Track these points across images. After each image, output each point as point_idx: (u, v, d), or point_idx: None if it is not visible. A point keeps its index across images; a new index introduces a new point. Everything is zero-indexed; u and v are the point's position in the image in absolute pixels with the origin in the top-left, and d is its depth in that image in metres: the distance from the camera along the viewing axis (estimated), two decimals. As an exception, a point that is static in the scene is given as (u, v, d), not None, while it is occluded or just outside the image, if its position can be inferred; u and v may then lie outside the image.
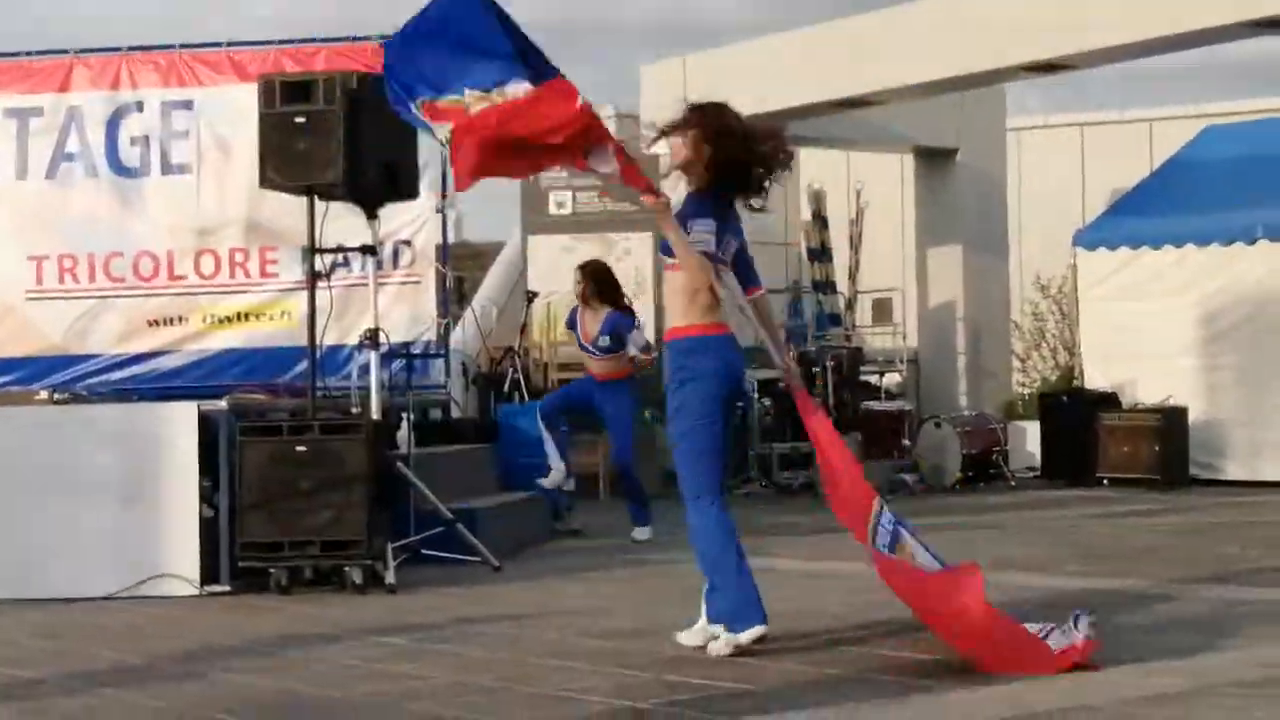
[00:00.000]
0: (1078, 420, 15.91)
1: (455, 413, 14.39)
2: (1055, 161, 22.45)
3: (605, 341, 11.16)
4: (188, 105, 13.27)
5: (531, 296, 16.12)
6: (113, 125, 13.28)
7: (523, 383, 15.10)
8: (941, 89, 16.93)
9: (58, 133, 13.24)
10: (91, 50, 13.41)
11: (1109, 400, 16.12)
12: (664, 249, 6.58)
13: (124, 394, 12.40)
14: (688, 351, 6.50)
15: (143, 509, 8.84)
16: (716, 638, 6.39)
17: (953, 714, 5.16)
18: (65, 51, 13.39)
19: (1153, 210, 16.34)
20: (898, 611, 7.49)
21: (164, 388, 12.50)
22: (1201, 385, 15.59)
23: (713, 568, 6.50)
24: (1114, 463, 15.57)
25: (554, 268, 15.52)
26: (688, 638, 6.52)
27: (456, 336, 15.62)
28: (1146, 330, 15.89)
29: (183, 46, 13.41)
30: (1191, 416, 15.42)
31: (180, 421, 8.97)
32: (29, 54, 13.39)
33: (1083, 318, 17.21)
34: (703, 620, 6.55)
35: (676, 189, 6.90)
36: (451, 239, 14.06)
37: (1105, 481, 15.49)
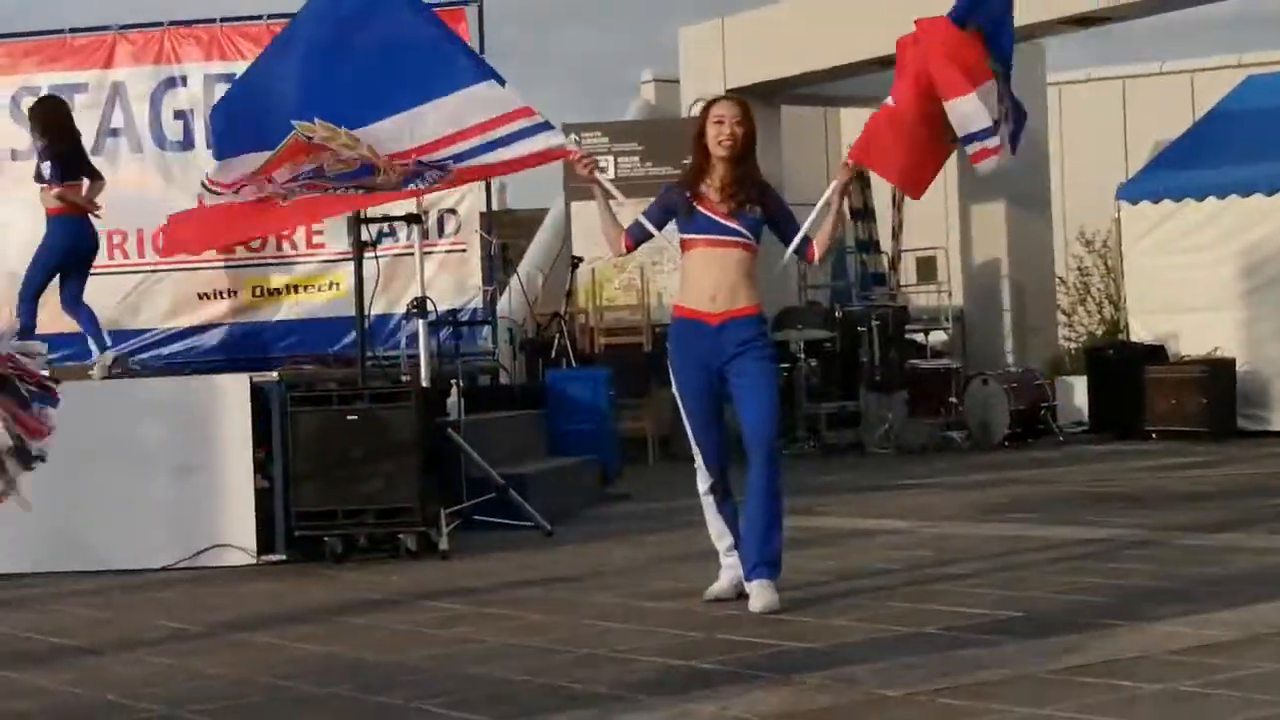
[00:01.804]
0: (1124, 374, 15.84)
1: (504, 379, 14.42)
2: (1097, 115, 22.28)
3: None
4: (230, 78, 13.25)
5: (576, 262, 16.13)
6: (156, 100, 13.31)
7: (569, 348, 15.12)
8: (980, 45, 16.80)
9: (102, 109, 13.27)
10: (133, 26, 13.44)
11: (1155, 353, 16.04)
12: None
13: (176, 367, 12.48)
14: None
15: (198, 481, 8.90)
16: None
17: (1008, 666, 5.15)
18: (108, 28, 13.43)
19: (1195, 162, 16.22)
20: (946, 567, 7.51)
21: (215, 360, 12.56)
22: (1247, 336, 15.49)
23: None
24: (1161, 416, 15.50)
25: (597, 233, 15.48)
26: (758, 601, 6.54)
27: (503, 303, 15.63)
28: (1191, 282, 15.79)
29: (224, 20, 13.43)
30: (1237, 368, 15.33)
31: (233, 393, 9.02)
32: (72, 31, 13.43)
33: (1127, 271, 17.11)
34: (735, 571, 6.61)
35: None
36: (495, 207, 14.09)
37: (1153, 435, 15.43)
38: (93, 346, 10.81)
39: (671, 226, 6.82)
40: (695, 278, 6.66)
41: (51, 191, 10.79)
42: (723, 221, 6.62)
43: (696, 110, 7.05)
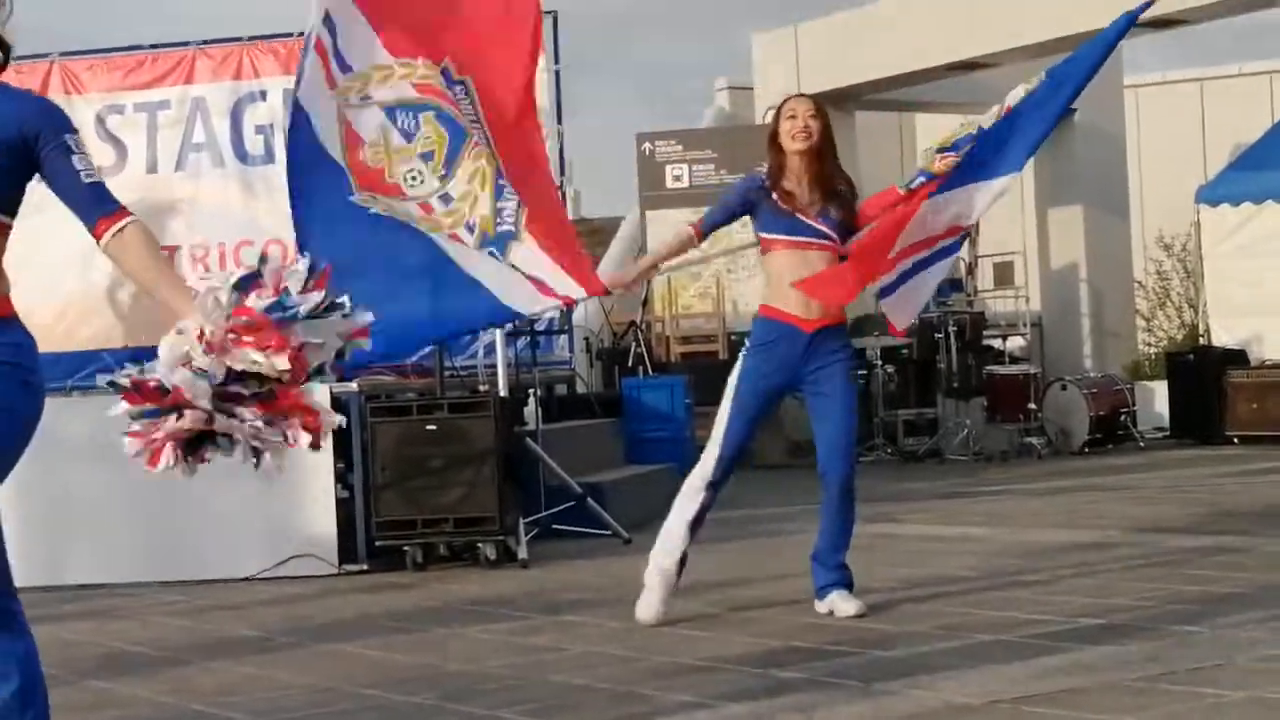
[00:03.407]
0: (1205, 379, 15.71)
1: (580, 388, 14.46)
2: (1175, 118, 22.08)
3: None
4: (309, 92, 13.38)
5: (652, 271, 16.13)
6: (236, 115, 13.42)
7: (646, 357, 15.15)
8: (1057, 49, 16.70)
9: (184, 125, 13.40)
10: (213, 41, 13.57)
11: (1236, 357, 15.90)
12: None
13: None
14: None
15: (281, 491, 8.96)
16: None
17: (1091, 673, 5.13)
18: (187, 44, 13.56)
19: (1275, 164, 16.06)
20: (1027, 574, 7.48)
21: (295, 372, 12.62)
22: (1329, 340, 15.35)
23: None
24: (1243, 420, 15.36)
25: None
26: (847, 605, 6.52)
27: (579, 313, 15.66)
28: (1272, 285, 15.63)
29: (301, 34, 13.52)
30: (1321, 372, 15.19)
31: (313, 404, 9.08)
32: (152, 47, 13.57)
33: (1207, 275, 16.97)
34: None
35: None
36: (570, 216, 14.10)
37: (1235, 440, 15.28)
38: None
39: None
40: (784, 280, 6.51)
41: None
42: (809, 222, 6.51)
43: (770, 118, 6.94)
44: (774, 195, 6.55)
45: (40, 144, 3.65)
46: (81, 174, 3.67)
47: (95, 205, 3.70)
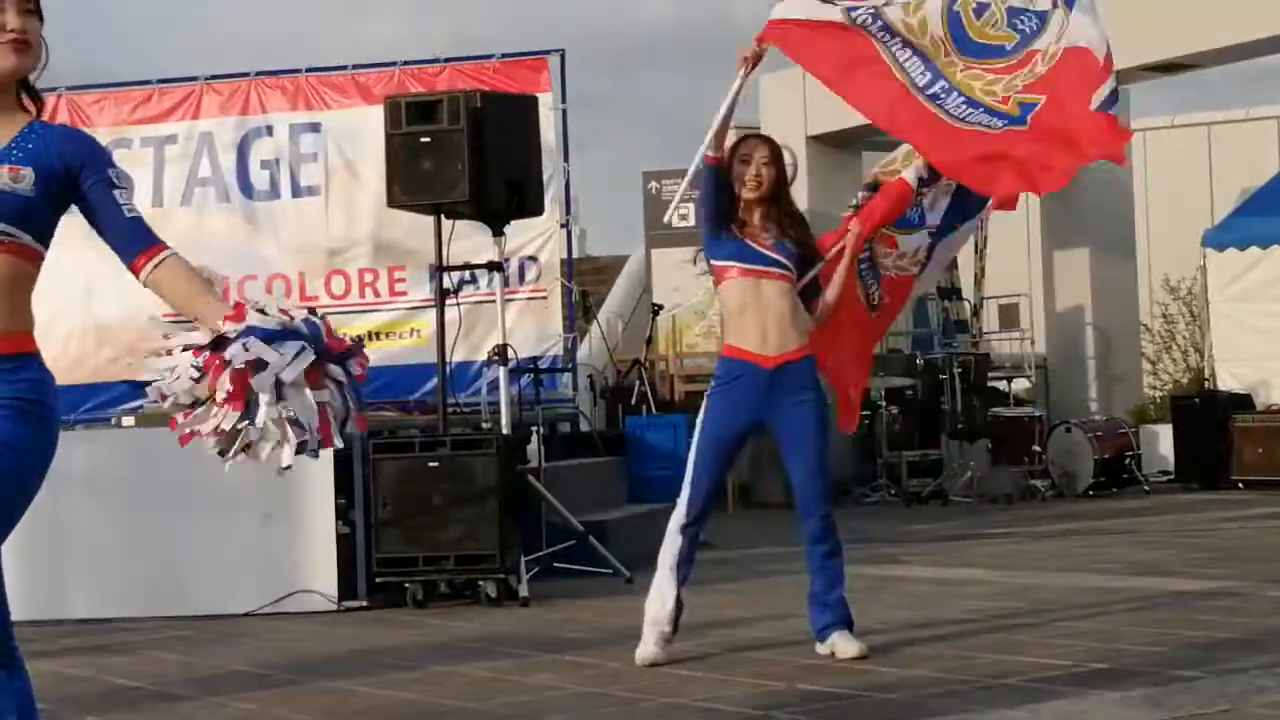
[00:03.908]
0: (1211, 423, 15.71)
1: (584, 426, 14.45)
2: (1182, 161, 22.12)
3: None
4: (315, 128, 13.43)
5: (657, 309, 16.17)
6: (243, 149, 13.48)
7: (650, 395, 15.15)
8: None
9: (191, 159, 13.45)
10: (220, 76, 13.63)
11: (1242, 402, 15.89)
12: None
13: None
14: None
15: (281, 527, 8.97)
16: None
17: (1094, 718, 5.12)
18: (195, 79, 13.62)
19: (1283, 209, 16.09)
20: (1030, 618, 7.46)
21: (298, 407, 12.63)
22: (1336, 385, 15.34)
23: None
24: (1249, 465, 15.35)
25: (677, 280, 15.55)
26: (849, 647, 6.49)
27: (583, 350, 15.69)
28: (1278, 329, 15.63)
29: (309, 70, 13.60)
30: (1327, 417, 15.18)
31: (315, 440, 9.07)
32: (160, 81, 13.64)
33: (1213, 319, 16.98)
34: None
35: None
36: (576, 254, 14.16)
37: (1240, 484, 15.26)
38: None
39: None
40: (739, 314, 6.46)
41: None
42: (761, 250, 6.44)
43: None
44: (731, 225, 6.50)
45: (84, 177, 3.68)
46: (124, 208, 3.70)
47: (136, 239, 3.72)
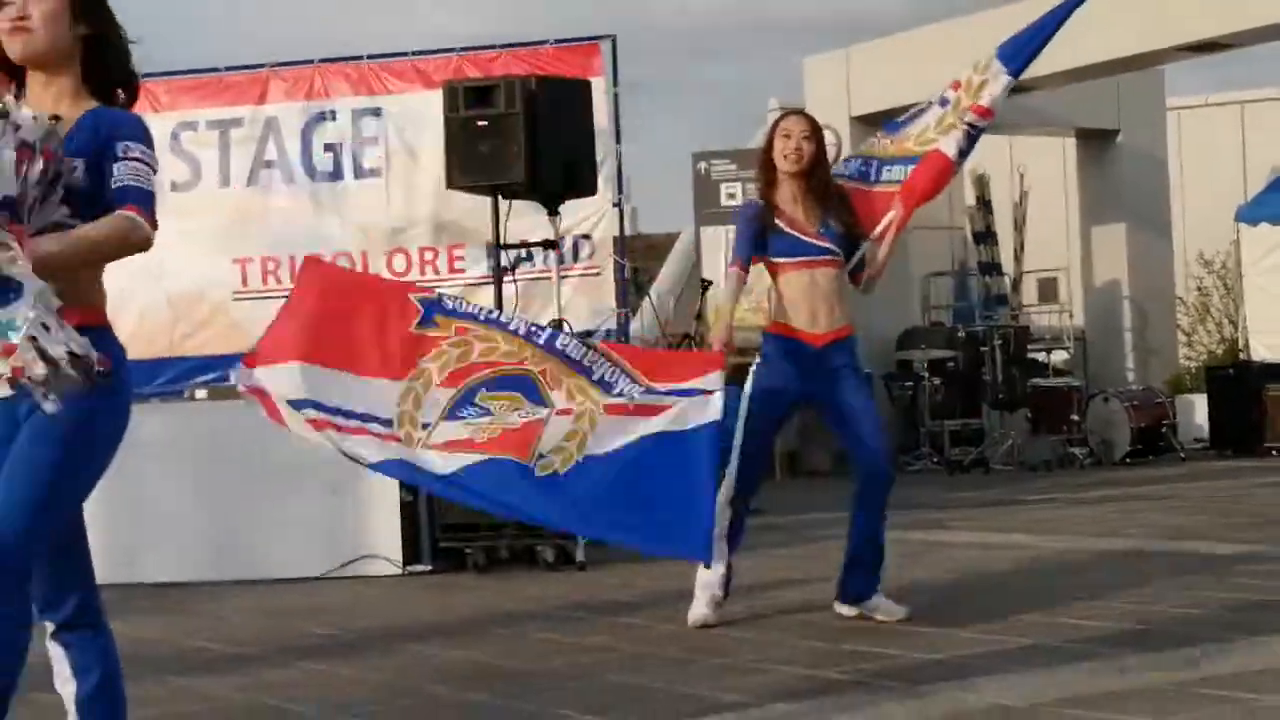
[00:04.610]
0: (1245, 392, 15.60)
1: (636, 398, 14.43)
2: (1216, 139, 21.93)
3: None
4: (376, 113, 13.44)
5: (706, 285, 16.13)
6: (307, 133, 13.49)
7: (699, 368, 15.13)
8: (1100, 72, 16.62)
9: (256, 142, 13.47)
10: (286, 64, 13.65)
11: (1275, 371, 15.77)
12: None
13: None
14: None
15: (349, 495, 9.02)
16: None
17: (1131, 678, 5.10)
18: (261, 66, 13.65)
19: (1315, 185, 15.97)
20: (1069, 581, 7.44)
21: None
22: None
23: None
24: (1282, 433, 15.24)
25: (726, 257, 15.52)
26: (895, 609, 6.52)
27: (635, 324, 15.68)
28: (1310, 302, 15.54)
29: (370, 57, 13.60)
30: (1358, 385, 15.07)
31: (379, 411, 9.12)
32: (227, 69, 13.68)
33: (1246, 291, 16.88)
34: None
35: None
36: (628, 232, 14.13)
37: (1274, 451, 15.16)
38: None
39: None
40: (792, 299, 6.49)
41: None
42: (812, 241, 6.48)
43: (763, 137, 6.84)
44: (776, 219, 6.51)
45: (106, 155, 3.61)
46: (113, 180, 3.57)
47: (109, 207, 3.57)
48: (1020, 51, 6.95)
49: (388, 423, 5.10)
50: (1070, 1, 7.05)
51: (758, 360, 6.64)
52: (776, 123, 6.63)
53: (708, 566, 6.27)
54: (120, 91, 3.78)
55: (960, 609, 6.77)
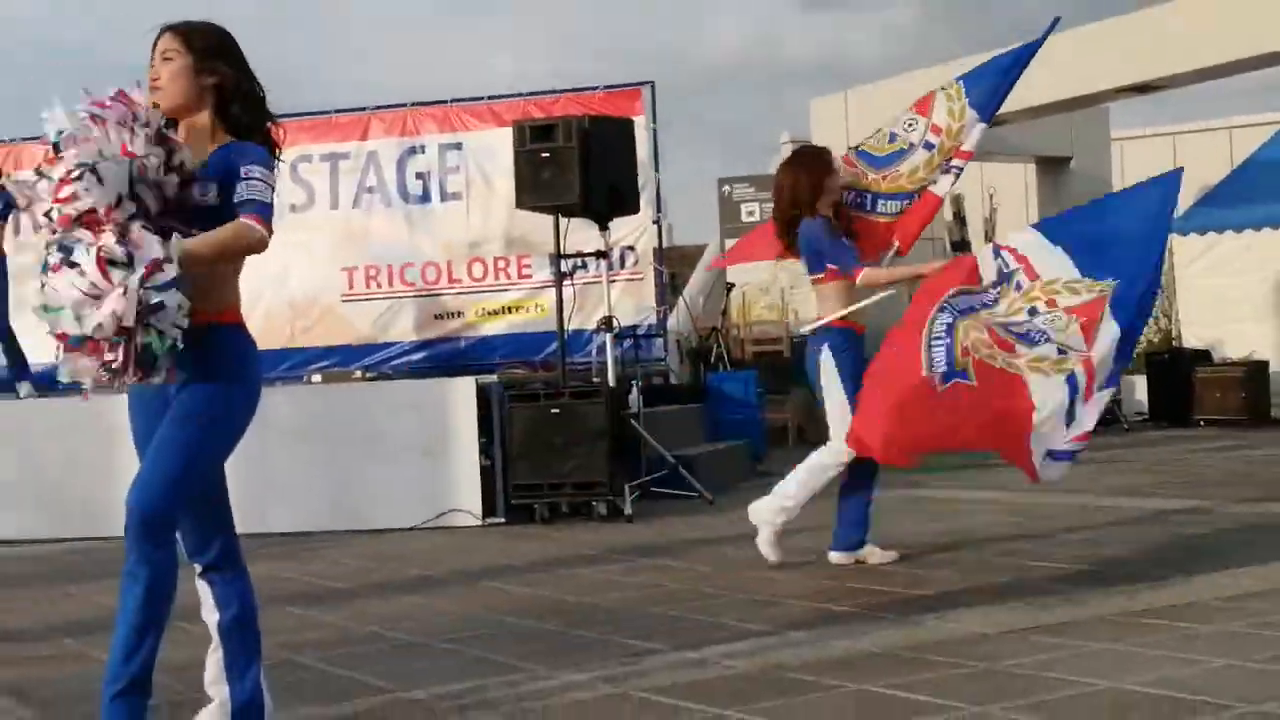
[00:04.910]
0: (1178, 373, 15.49)
1: (673, 380, 14.44)
2: (1154, 164, 21.59)
3: None
4: (458, 147, 13.46)
5: (730, 287, 16.14)
6: (401, 164, 13.52)
7: (725, 355, 15.13)
8: (1054, 110, 16.50)
9: (360, 172, 13.52)
10: (384, 107, 13.69)
11: (1203, 356, 15.66)
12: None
13: (418, 372, 12.68)
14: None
15: (437, 460, 9.04)
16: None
17: (1085, 609, 5.08)
18: (364, 109, 13.69)
19: (1234, 201, 15.82)
20: (1033, 530, 7.41)
21: (448, 366, 12.73)
22: (1277, 342, 15.10)
23: None
24: (1209, 407, 15.12)
25: (747, 264, 15.47)
26: (886, 554, 6.49)
27: (672, 320, 15.64)
28: (1231, 299, 15.43)
29: (453, 101, 13.62)
30: (1271, 368, 14.95)
31: (462, 392, 9.16)
32: (336, 111, 13.72)
33: (1179, 290, 16.76)
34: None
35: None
36: (665, 244, 14.10)
37: (1201, 423, 15.04)
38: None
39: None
40: (849, 302, 6.43)
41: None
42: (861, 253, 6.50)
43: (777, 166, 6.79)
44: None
45: (233, 177, 3.60)
46: (234, 195, 3.56)
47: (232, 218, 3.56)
48: (990, 103, 6.89)
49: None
50: (1027, 49, 6.96)
51: (827, 348, 6.41)
52: (820, 154, 6.65)
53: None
54: (257, 132, 3.79)
55: (941, 554, 6.74)
